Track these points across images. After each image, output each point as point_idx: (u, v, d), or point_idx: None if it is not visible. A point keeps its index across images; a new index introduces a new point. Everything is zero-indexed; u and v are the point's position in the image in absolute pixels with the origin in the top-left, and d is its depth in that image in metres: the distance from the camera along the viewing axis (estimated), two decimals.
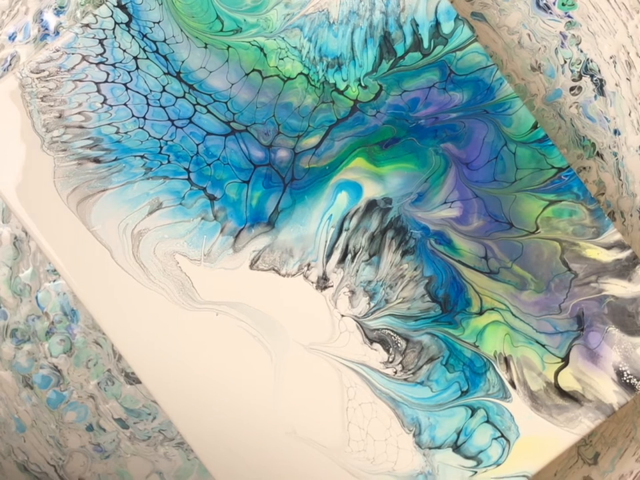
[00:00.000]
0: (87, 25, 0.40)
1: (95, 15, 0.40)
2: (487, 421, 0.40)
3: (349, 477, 0.40)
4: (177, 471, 0.46)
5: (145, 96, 0.40)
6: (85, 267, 0.40)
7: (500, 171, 0.41)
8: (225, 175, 0.40)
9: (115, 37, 0.40)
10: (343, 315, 0.40)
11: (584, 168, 0.47)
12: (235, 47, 0.41)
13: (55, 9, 0.46)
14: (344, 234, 0.40)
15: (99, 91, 0.40)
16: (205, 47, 0.40)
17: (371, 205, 0.41)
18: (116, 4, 0.40)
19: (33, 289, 0.46)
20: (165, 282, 0.40)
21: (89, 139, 0.40)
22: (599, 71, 0.47)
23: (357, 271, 0.40)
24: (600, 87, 0.47)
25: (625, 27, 0.47)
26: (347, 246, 0.40)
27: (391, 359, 0.40)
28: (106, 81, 0.40)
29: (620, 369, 0.40)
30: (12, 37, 0.46)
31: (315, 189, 0.40)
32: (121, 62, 0.40)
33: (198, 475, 0.46)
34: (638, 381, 0.40)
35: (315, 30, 0.41)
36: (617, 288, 0.40)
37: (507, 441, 0.40)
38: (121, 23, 0.40)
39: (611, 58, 0.47)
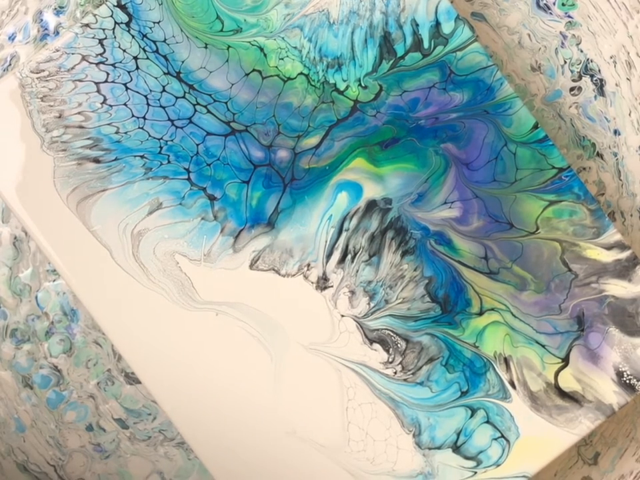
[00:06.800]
0: (87, 25, 0.40)
1: (94, 15, 0.40)
2: (487, 422, 0.40)
3: (349, 477, 0.40)
4: (177, 471, 0.46)
5: (145, 96, 0.40)
6: (84, 267, 0.40)
7: (500, 171, 0.41)
8: (224, 175, 0.40)
9: (115, 37, 0.40)
10: (342, 315, 0.40)
11: (584, 168, 0.47)
12: (235, 47, 0.41)
13: (55, 9, 0.46)
14: (344, 234, 0.40)
15: (98, 90, 0.40)
16: (205, 47, 0.40)
17: (371, 205, 0.41)
18: (116, 4, 0.40)
19: (32, 289, 0.46)
20: (164, 282, 0.40)
21: (88, 139, 0.40)
22: (599, 71, 0.47)
23: (357, 271, 0.40)
24: (600, 87, 0.47)
25: (625, 27, 0.47)
26: (346, 246, 0.40)
27: (390, 360, 0.40)
28: (106, 81, 0.40)
29: (620, 369, 0.40)
30: (12, 37, 0.46)
31: (315, 189, 0.40)
32: (120, 62, 0.40)
33: (198, 475, 0.46)
34: (638, 381, 0.40)
35: (315, 30, 0.41)
36: (617, 288, 0.40)
37: (507, 441, 0.40)
38: (121, 22, 0.40)
39: (611, 58, 0.47)
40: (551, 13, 0.47)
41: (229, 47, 0.41)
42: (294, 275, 0.40)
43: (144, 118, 0.40)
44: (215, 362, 0.40)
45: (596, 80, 0.47)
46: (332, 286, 0.40)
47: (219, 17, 0.41)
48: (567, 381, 0.40)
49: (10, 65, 0.46)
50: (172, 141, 0.40)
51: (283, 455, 0.40)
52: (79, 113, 0.40)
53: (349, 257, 0.40)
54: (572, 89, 0.47)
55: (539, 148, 0.41)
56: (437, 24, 0.41)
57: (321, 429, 0.40)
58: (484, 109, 0.41)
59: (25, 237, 0.46)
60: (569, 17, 0.47)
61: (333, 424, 0.40)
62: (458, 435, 0.40)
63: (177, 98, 0.40)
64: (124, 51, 0.40)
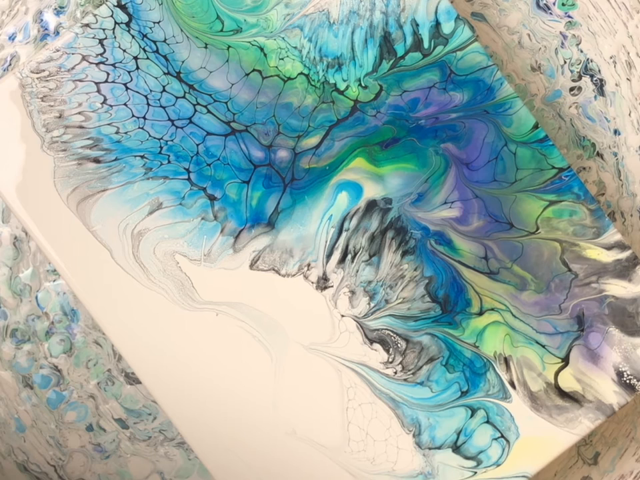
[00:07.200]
0: (87, 25, 0.40)
1: (95, 15, 0.40)
2: (487, 422, 0.40)
3: (349, 477, 0.40)
4: (177, 471, 0.46)
5: (145, 96, 0.40)
6: (84, 267, 0.40)
7: (500, 171, 0.41)
8: (225, 175, 0.40)
9: (115, 37, 0.40)
10: (343, 315, 0.40)
11: (584, 168, 0.47)
12: (235, 47, 0.41)
13: (55, 9, 0.46)
14: (344, 234, 0.40)
15: (98, 90, 0.40)
16: (205, 47, 0.40)
17: (371, 205, 0.41)
18: (116, 4, 0.40)
19: (33, 289, 0.46)
20: (164, 282, 0.40)
21: (88, 139, 0.40)
22: (599, 71, 0.47)
23: (357, 271, 0.40)
24: (600, 87, 0.47)
25: (625, 27, 0.47)
26: (347, 246, 0.40)
27: (390, 359, 0.40)
28: (106, 81, 0.40)
29: (620, 369, 0.40)
30: (12, 37, 0.46)
31: (315, 189, 0.40)
32: (121, 62, 0.40)
33: (198, 475, 0.46)
34: (638, 381, 0.40)
35: (315, 30, 0.41)
36: (617, 288, 0.40)
37: (507, 441, 0.40)
38: (121, 22, 0.40)
39: (611, 58, 0.47)
40: (550, 13, 0.47)
41: (229, 46, 0.41)
42: (294, 275, 0.40)
43: (144, 118, 0.40)
44: (215, 362, 0.40)
45: (596, 80, 0.47)
46: (332, 286, 0.40)
47: (219, 17, 0.41)
48: (567, 380, 0.40)
49: (10, 65, 0.46)
50: (172, 140, 0.40)
51: (282, 455, 0.40)
52: (79, 112, 0.40)
53: (349, 256, 0.40)
54: (572, 89, 0.47)
55: (539, 148, 0.41)
56: (437, 24, 0.41)
57: (320, 428, 0.40)
58: (484, 108, 0.41)
59: (25, 237, 0.46)
60: (569, 16, 0.47)
61: (333, 424, 0.40)
62: (458, 434, 0.40)
63: (177, 98, 0.40)
64: (124, 51, 0.40)
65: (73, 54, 0.40)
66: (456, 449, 0.40)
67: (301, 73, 0.41)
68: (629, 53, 0.47)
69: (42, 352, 0.46)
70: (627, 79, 0.47)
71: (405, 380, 0.40)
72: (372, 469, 0.40)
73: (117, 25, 0.40)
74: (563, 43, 0.47)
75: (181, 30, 0.40)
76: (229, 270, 0.40)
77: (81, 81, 0.40)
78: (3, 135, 0.40)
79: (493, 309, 0.40)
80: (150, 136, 0.40)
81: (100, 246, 0.40)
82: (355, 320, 0.40)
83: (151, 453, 0.46)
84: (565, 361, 0.40)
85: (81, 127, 0.40)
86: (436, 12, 0.41)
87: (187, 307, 0.40)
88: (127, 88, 0.40)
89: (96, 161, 0.40)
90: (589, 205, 0.40)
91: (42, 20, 0.46)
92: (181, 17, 0.40)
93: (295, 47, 0.41)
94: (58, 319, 0.46)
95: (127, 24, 0.40)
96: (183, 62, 0.40)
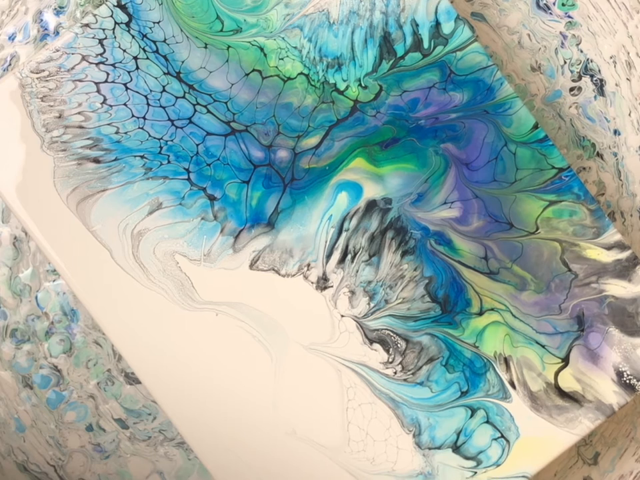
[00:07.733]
0: (87, 25, 0.40)
1: (94, 15, 0.40)
2: (487, 422, 0.40)
3: (349, 477, 0.40)
4: (177, 471, 0.46)
5: (145, 96, 0.40)
6: (84, 267, 0.40)
7: (500, 171, 0.41)
8: (224, 175, 0.40)
9: (115, 37, 0.40)
10: (342, 315, 0.40)
11: (584, 168, 0.47)
12: (235, 47, 0.41)
13: (55, 9, 0.46)
14: (344, 234, 0.40)
15: (98, 90, 0.40)
16: (205, 47, 0.40)
17: (371, 205, 0.41)
18: (116, 4, 0.40)
19: (32, 289, 0.46)
20: (164, 282, 0.40)
21: (88, 139, 0.40)
22: (599, 71, 0.47)
23: (357, 271, 0.40)
24: (600, 87, 0.47)
25: (625, 27, 0.47)
26: (346, 246, 0.40)
27: (390, 360, 0.40)
28: (106, 81, 0.40)
29: (620, 369, 0.40)
30: (12, 37, 0.46)
31: (314, 190, 0.40)
32: (120, 62, 0.40)
33: (198, 475, 0.46)
34: (638, 381, 0.40)
35: (315, 30, 0.41)
36: (617, 288, 0.40)
37: (507, 441, 0.40)
38: (121, 22, 0.40)
39: (610, 58, 0.47)
40: (550, 13, 0.47)
41: (229, 46, 0.41)
42: (294, 275, 0.40)
43: (144, 118, 0.40)
44: (215, 362, 0.40)
45: (596, 80, 0.47)
46: (332, 286, 0.40)
47: (219, 17, 0.41)
48: (567, 380, 0.40)
49: (10, 65, 0.46)
50: (172, 141, 0.40)
51: (282, 455, 0.40)
52: (79, 113, 0.40)
53: (349, 257, 0.40)
54: (572, 89, 0.47)
55: (539, 148, 0.41)
56: (437, 24, 0.41)
57: (321, 429, 0.40)
58: (484, 108, 0.41)
59: (24, 237, 0.46)
60: (569, 17, 0.47)
61: (333, 424, 0.40)
62: (458, 435, 0.40)
63: (177, 98, 0.40)
64: (124, 51, 0.40)
65: (72, 54, 0.40)
66: (456, 449, 0.40)
67: (301, 73, 0.41)
68: (629, 53, 0.47)
69: (42, 352, 0.46)
70: (627, 79, 0.47)
71: (405, 380, 0.40)
72: (372, 469, 0.40)
73: (116, 25, 0.40)
74: (562, 43, 0.47)
75: (181, 30, 0.40)
76: (228, 270, 0.40)
77: (80, 81, 0.40)
78: (3, 135, 0.40)
79: (492, 309, 0.40)
80: (150, 136, 0.40)
81: (100, 246, 0.40)
82: (354, 320, 0.40)
83: (151, 453, 0.46)
84: (565, 361, 0.40)
85: (81, 127, 0.40)
86: (436, 12, 0.41)
87: (186, 307, 0.40)
88: (127, 88, 0.40)
89: (96, 161, 0.40)
90: (589, 205, 0.40)
91: (42, 20, 0.46)
92: (180, 17, 0.40)
93: (295, 47, 0.41)
94: (58, 319, 0.46)
95: (127, 24, 0.40)
96: (182, 62, 0.40)
